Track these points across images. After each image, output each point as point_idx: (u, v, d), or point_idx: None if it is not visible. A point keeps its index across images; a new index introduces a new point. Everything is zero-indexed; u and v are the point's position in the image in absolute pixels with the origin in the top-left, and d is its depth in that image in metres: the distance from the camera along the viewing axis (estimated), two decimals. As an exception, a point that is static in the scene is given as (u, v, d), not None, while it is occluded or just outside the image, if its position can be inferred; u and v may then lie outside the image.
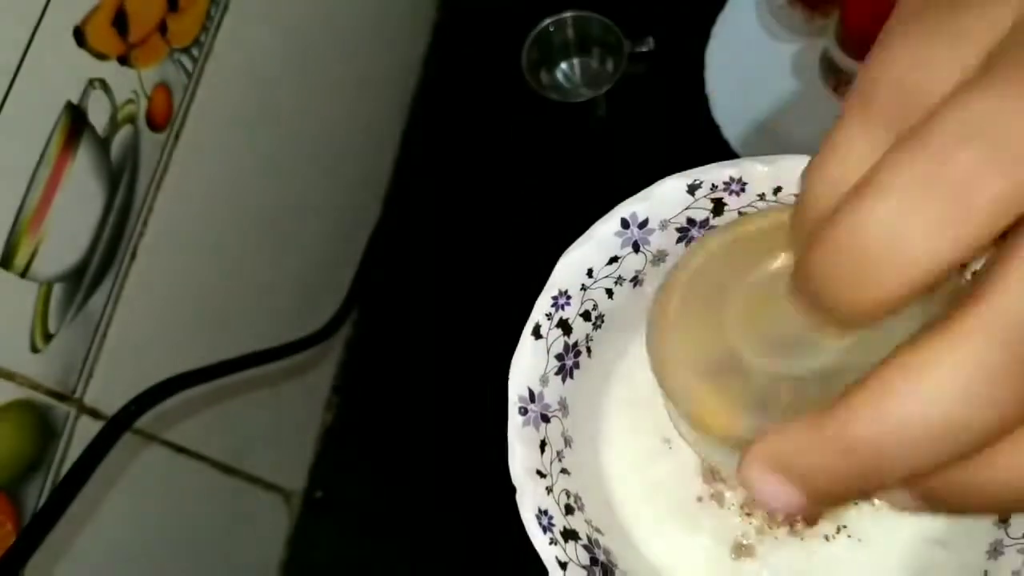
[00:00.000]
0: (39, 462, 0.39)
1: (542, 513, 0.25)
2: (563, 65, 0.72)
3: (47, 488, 0.40)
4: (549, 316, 0.27)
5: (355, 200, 0.68)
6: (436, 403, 0.64)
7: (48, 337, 0.39)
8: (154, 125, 0.44)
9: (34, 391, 0.39)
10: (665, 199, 0.27)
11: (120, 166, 0.42)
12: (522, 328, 0.61)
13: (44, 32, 0.37)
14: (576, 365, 0.28)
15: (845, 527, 0.27)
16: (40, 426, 0.39)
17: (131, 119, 0.42)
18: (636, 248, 0.27)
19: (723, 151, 0.64)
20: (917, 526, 0.26)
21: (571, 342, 0.27)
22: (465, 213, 0.70)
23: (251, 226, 0.54)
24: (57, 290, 0.39)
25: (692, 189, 0.27)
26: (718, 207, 0.27)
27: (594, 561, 0.25)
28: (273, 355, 0.52)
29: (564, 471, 0.26)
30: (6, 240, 0.36)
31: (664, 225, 0.27)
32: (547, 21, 0.68)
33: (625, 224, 0.27)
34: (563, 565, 0.24)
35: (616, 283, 0.28)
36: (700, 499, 0.28)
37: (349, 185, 0.67)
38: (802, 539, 0.27)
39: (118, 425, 0.41)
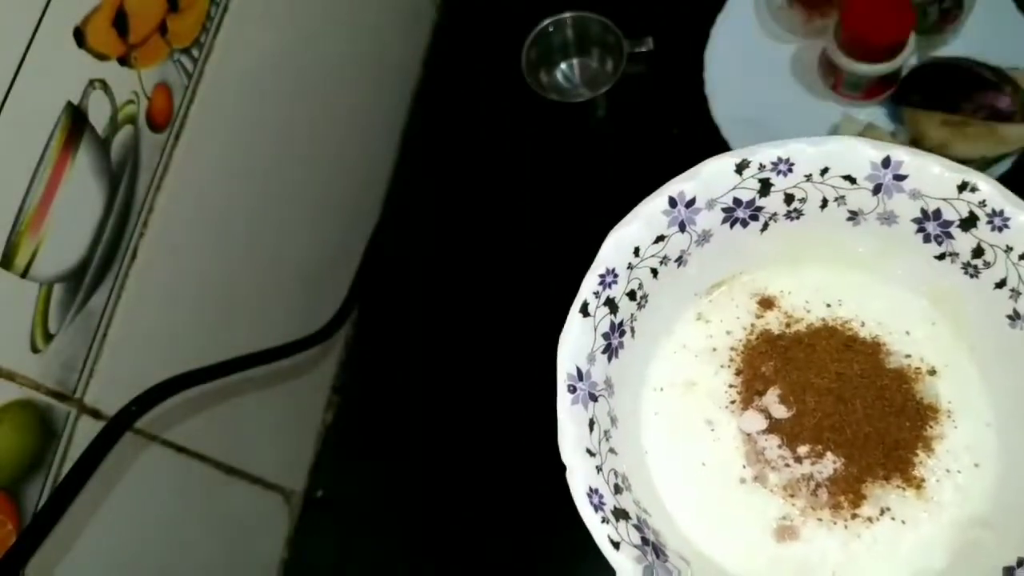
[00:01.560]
0: (40, 462, 0.39)
1: (593, 492, 0.25)
2: (562, 65, 0.72)
3: (48, 488, 0.40)
4: (597, 294, 0.27)
5: (355, 200, 0.68)
6: (436, 402, 0.64)
7: (49, 337, 0.39)
8: (154, 125, 0.44)
9: (35, 391, 0.39)
10: (713, 178, 0.27)
11: (120, 166, 0.42)
12: (521, 326, 0.61)
13: (44, 33, 0.37)
14: (621, 345, 0.28)
15: (888, 509, 0.27)
16: (41, 426, 0.39)
17: (131, 119, 0.42)
18: (682, 228, 0.27)
19: (722, 152, 0.64)
20: (961, 508, 0.26)
21: (617, 321, 0.27)
22: (465, 213, 0.70)
23: (251, 226, 0.54)
24: (58, 290, 0.39)
25: (740, 169, 0.27)
26: (765, 187, 0.27)
27: (645, 541, 0.24)
28: (273, 355, 0.52)
29: (612, 451, 0.26)
30: (7, 240, 0.36)
31: (711, 205, 0.27)
32: (546, 22, 0.69)
33: (673, 203, 0.27)
34: (616, 544, 0.24)
35: (661, 263, 0.28)
36: (743, 481, 0.28)
37: (349, 185, 0.67)
38: (846, 521, 0.27)
39: (119, 425, 0.41)
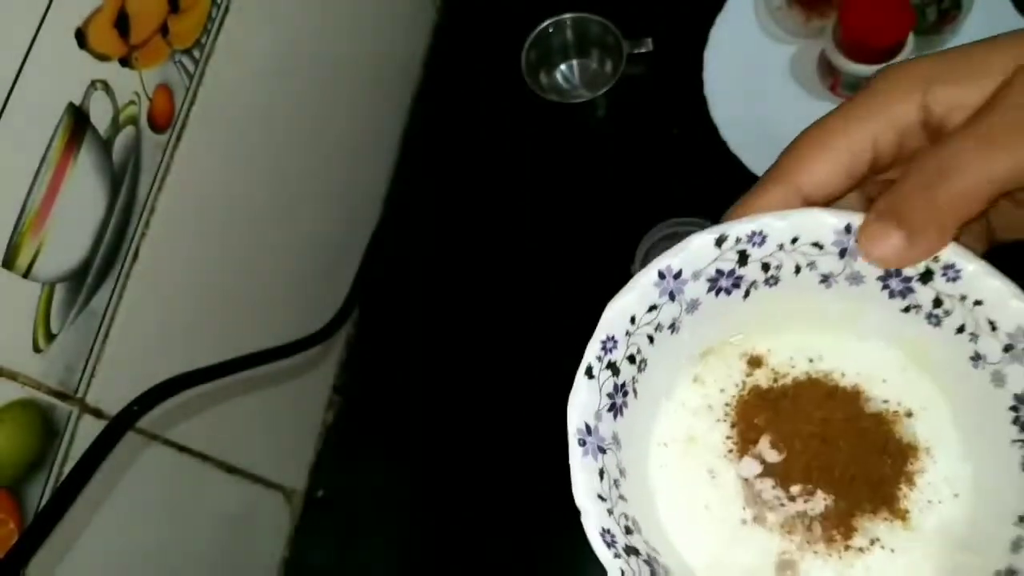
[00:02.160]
0: (42, 461, 0.39)
1: (605, 531, 0.27)
2: (562, 66, 0.73)
3: (49, 487, 0.40)
4: (599, 358, 0.30)
5: (356, 200, 0.69)
6: (436, 402, 0.64)
7: (51, 337, 0.39)
8: (155, 126, 0.44)
9: (36, 391, 0.39)
10: (696, 252, 0.30)
11: (122, 167, 0.42)
12: (521, 325, 0.61)
13: (46, 34, 0.37)
14: (625, 404, 0.30)
15: (878, 540, 0.29)
16: (43, 425, 0.39)
17: (133, 120, 0.42)
18: (672, 297, 0.30)
19: (721, 152, 0.64)
20: (944, 535, 0.29)
21: (619, 383, 0.30)
22: (465, 213, 0.70)
23: (252, 226, 0.54)
24: (59, 290, 0.39)
25: (719, 243, 0.30)
26: (743, 258, 0.30)
27: (654, 574, 0.28)
28: (274, 355, 0.52)
29: (622, 497, 0.29)
30: (9, 241, 0.37)
31: (696, 276, 0.30)
32: (546, 23, 0.69)
33: (662, 275, 0.30)
34: None
35: (656, 330, 0.31)
36: (744, 521, 0.30)
37: (350, 185, 0.67)
38: (840, 553, 0.30)
39: (120, 424, 0.41)
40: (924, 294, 0.30)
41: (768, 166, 0.69)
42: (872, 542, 0.30)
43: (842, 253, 0.30)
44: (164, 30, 0.44)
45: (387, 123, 0.73)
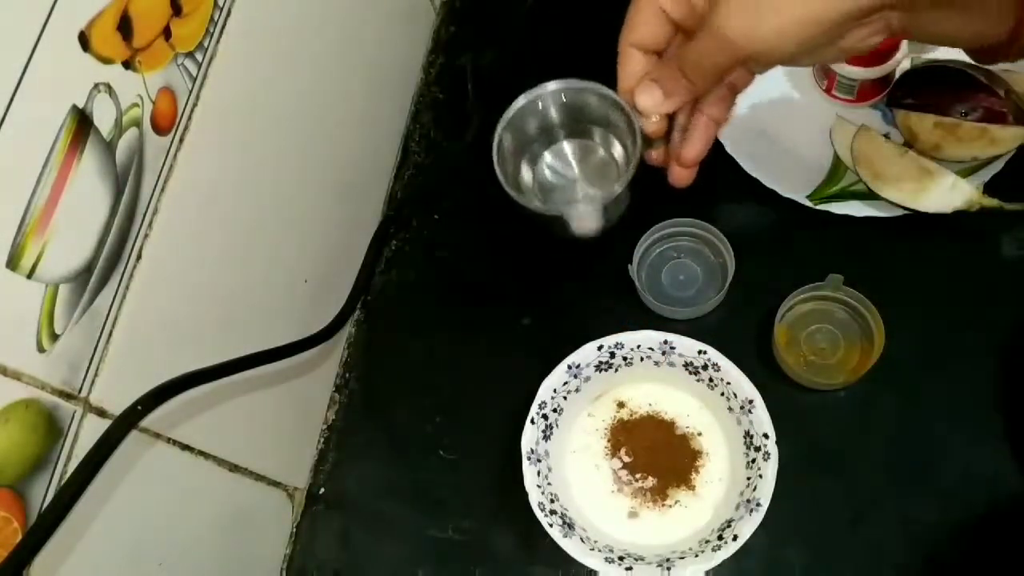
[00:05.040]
0: (45, 461, 0.40)
1: (539, 504, 0.51)
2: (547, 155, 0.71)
3: (53, 486, 0.40)
4: (537, 413, 0.53)
5: (357, 201, 0.69)
6: (436, 401, 0.64)
7: (54, 337, 0.40)
8: (158, 129, 0.44)
9: (40, 390, 0.39)
10: (587, 352, 0.54)
11: (125, 169, 0.43)
12: (521, 325, 0.62)
13: (49, 37, 0.37)
14: (551, 434, 0.54)
15: (679, 501, 0.54)
16: (46, 425, 0.40)
17: (136, 123, 0.43)
18: (576, 376, 0.54)
19: (717, 153, 0.64)
20: (714, 498, 0.54)
21: (548, 423, 0.54)
22: (465, 214, 0.70)
23: (254, 227, 0.55)
24: (63, 291, 0.40)
25: (599, 348, 0.54)
26: (612, 354, 0.54)
27: (564, 522, 0.51)
28: (277, 354, 0.53)
29: (549, 483, 0.52)
30: (13, 241, 0.37)
31: (588, 364, 0.54)
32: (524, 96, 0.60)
33: (570, 367, 0.53)
34: (550, 525, 0.50)
35: (568, 392, 0.54)
36: (612, 492, 0.55)
37: (351, 186, 0.68)
38: (660, 508, 0.54)
39: (124, 424, 0.42)
40: (703, 373, 0.53)
41: (764, 169, 0.72)
42: (676, 502, 0.54)
43: (663, 353, 0.54)
44: (167, 33, 0.44)
45: (388, 124, 0.73)
